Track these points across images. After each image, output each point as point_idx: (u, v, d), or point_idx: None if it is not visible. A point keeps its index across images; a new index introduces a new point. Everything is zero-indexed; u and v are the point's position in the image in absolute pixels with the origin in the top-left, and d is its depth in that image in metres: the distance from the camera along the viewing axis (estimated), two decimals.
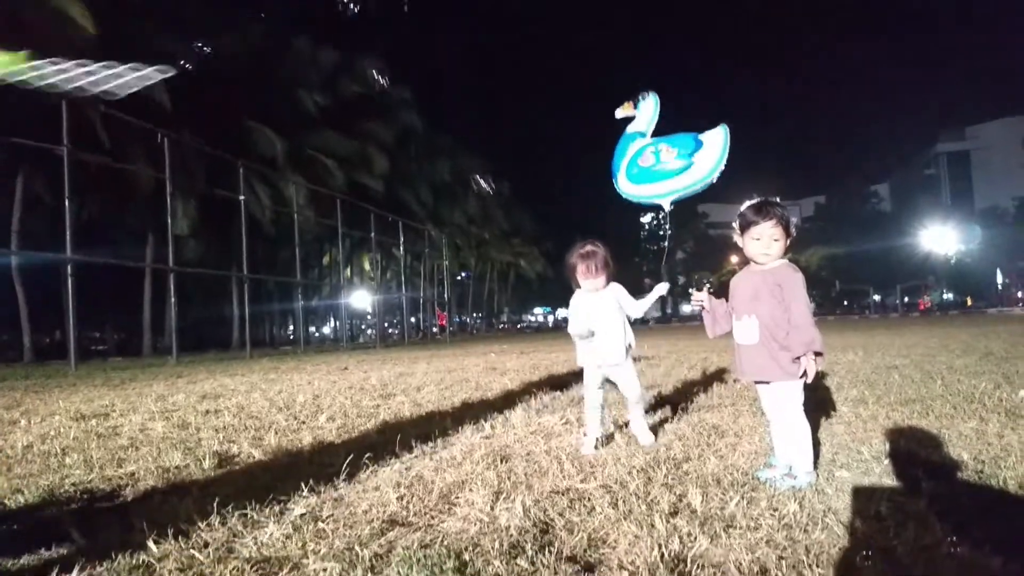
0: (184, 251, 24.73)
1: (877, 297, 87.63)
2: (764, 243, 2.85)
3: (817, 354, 2.74)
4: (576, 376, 7.98)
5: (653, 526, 2.22)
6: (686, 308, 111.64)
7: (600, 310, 3.62)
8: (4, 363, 20.75)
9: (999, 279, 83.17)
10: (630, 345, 3.69)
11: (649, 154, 3.89)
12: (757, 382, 2.98)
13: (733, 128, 3.77)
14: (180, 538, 2.31)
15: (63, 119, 14.87)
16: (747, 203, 2.93)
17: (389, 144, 38.97)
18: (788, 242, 2.89)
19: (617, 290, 3.67)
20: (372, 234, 31.75)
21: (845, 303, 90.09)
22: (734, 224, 3.01)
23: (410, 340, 37.03)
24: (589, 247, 3.64)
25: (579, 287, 3.68)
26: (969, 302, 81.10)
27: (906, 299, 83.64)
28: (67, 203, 14.95)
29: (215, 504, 2.67)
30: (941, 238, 78.45)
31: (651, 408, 4.94)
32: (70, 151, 15.06)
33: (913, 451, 3.27)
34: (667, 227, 4.15)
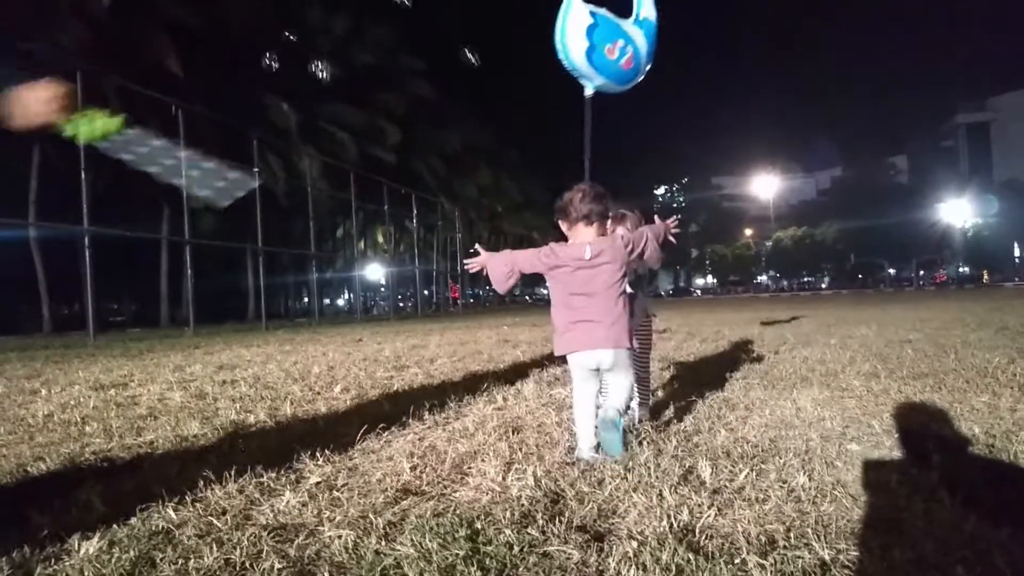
0: (200, 223, 24.82)
1: (892, 271, 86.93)
2: None
3: None
4: None
5: (662, 497, 2.23)
6: (699, 281, 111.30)
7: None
8: (24, 334, 21.05)
9: (1016, 252, 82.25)
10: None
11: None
12: None
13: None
14: (198, 505, 2.36)
15: (77, 89, 14.80)
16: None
17: (400, 115, 38.70)
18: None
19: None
20: (385, 207, 31.77)
21: (859, 276, 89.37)
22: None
23: (423, 312, 37.18)
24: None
25: None
26: (986, 276, 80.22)
27: (922, 272, 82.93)
28: (83, 174, 14.95)
29: (232, 472, 2.72)
30: (958, 211, 77.38)
31: (662, 381, 4.96)
32: None
33: (924, 425, 3.28)
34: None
